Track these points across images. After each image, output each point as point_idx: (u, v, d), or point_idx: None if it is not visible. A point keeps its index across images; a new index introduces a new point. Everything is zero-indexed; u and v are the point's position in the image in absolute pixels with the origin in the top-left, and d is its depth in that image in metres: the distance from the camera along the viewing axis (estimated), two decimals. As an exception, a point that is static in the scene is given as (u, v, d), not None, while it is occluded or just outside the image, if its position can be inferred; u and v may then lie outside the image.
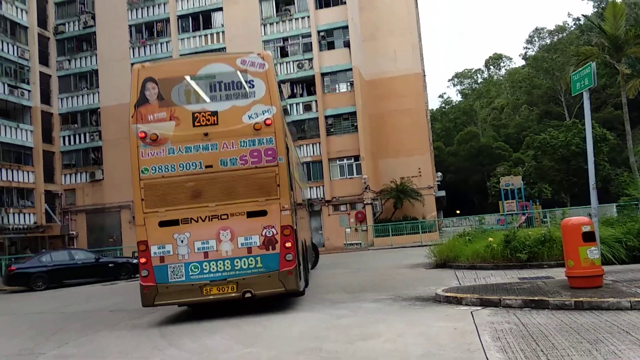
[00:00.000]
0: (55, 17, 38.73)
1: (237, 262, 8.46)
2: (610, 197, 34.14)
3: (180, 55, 35.90)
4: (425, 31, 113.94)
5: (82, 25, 37.91)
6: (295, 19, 34.58)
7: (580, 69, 9.19)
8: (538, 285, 8.54)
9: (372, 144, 34.64)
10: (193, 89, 8.90)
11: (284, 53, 34.82)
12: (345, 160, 33.16)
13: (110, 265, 21.76)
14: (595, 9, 61.39)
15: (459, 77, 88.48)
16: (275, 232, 8.47)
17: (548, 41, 64.44)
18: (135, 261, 22.88)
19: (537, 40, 67.96)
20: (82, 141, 37.50)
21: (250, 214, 8.53)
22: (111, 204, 35.83)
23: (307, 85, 34.68)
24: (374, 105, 36.42)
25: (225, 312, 9.33)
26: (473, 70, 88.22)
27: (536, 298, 7.26)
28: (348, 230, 31.56)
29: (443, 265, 13.82)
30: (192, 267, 8.49)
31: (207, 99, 8.85)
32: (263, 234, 8.49)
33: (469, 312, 7.15)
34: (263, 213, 8.52)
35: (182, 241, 8.54)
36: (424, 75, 39.36)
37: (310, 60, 33.86)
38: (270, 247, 8.46)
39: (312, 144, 33.26)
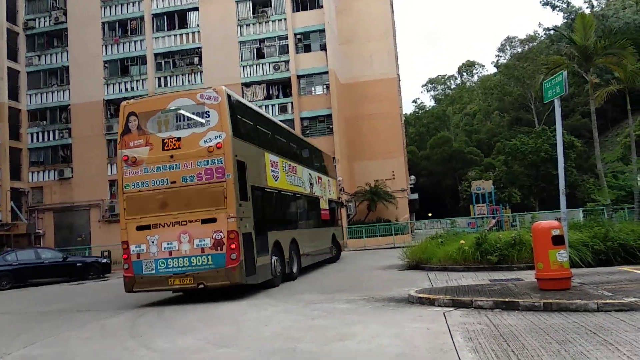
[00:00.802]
0: (25, 12, 37.66)
1: (193, 260, 10.38)
2: (577, 202, 35.15)
3: (155, 53, 35.53)
4: (400, 37, 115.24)
5: (53, 21, 36.96)
6: (272, 21, 34.48)
7: (551, 77, 9.43)
8: (508, 287, 8.71)
9: (347, 146, 34.81)
10: (163, 119, 11.02)
11: (260, 54, 34.69)
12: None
13: (78, 264, 21.33)
14: (565, 20, 63.12)
15: (433, 82, 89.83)
16: (222, 236, 10.26)
17: (519, 50, 65.95)
18: (104, 261, 22.53)
19: (508, 48, 69.52)
20: (51, 138, 36.54)
21: (204, 221, 10.42)
22: (80, 202, 35.01)
23: (283, 87, 34.63)
24: (349, 109, 36.63)
25: (198, 312, 9.24)
26: (446, 77, 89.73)
27: (507, 299, 7.40)
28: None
29: (416, 266, 13.96)
30: (160, 263, 10.52)
31: (174, 128, 10.95)
32: (213, 237, 10.33)
33: (441, 313, 7.24)
34: (213, 220, 10.37)
35: (152, 242, 10.61)
36: (399, 80, 39.76)
37: (287, 62, 33.83)
38: (219, 248, 10.27)
39: (287, 146, 33.18)
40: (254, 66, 34.43)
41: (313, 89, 34.09)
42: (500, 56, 71.11)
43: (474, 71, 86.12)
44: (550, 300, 7.02)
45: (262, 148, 12.80)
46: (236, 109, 11.48)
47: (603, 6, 63.89)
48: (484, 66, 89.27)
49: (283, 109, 33.62)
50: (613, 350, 4.79)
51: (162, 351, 6.33)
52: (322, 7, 33.99)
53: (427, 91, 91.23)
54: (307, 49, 34.34)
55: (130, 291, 10.78)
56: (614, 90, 25.07)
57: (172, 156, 10.72)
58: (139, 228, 10.71)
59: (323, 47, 33.79)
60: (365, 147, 36.18)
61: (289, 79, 33.65)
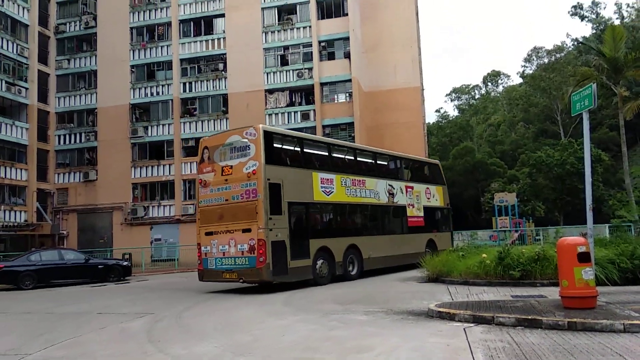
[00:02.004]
0: (56, 16, 38.73)
1: (237, 260, 13.48)
2: (603, 217, 34.27)
3: (181, 59, 36.07)
4: (425, 45, 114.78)
5: (83, 26, 37.92)
6: (297, 28, 34.71)
7: (580, 89, 9.23)
8: (531, 304, 8.51)
9: (368, 155, 34.74)
10: (223, 151, 14.22)
11: (284, 61, 34.92)
12: (341, 171, 33.14)
13: (100, 266, 21.59)
14: (594, 31, 62.02)
15: (457, 92, 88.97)
16: (254, 243, 13.04)
17: (546, 60, 64.94)
18: (125, 263, 22.79)
19: (535, 59, 68.51)
20: (78, 141, 37.34)
21: (244, 230, 13.32)
22: (104, 204, 35.63)
23: (306, 94, 34.75)
24: (371, 117, 36.54)
25: (216, 319, 9.26)
26: (471, 86, 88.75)
27: (529, 317, 7.22)
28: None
29: (436, 279, 13.77)
30: (217, 260, 13.94)
31: (229, 158, 14.06)
32: (249, 243, 13.19)
33: (461, 329, 7.10)
34: (249, 230, 13.20)
35: (214, 244, 14.07)
36: (423, 90, 39.50)
37: (310, 69, 33.97)
38: (252, 252, 13.08)
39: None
40: (278, 73, 34.65)
41: (336, 96, 34.13)
42: (527, 66, 70.13)
43: (499, 81, 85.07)
44: (575, 320, 6.83)
45: (308, 169, 15.17)
46: (273, 141, 14.12)
47: (634, 17, 62.63)
48: (509, 76, 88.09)
49: (305, 116, 33.73)
50: (641, 375, 4.62)
51: (178, 357, 6.34)
52: (347, 14, 34.11)
53: (451, 101, 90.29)
54: (331, 56, 34.45)
55: (201, 280, 14.57)
56: (644, 103, 24.53)
57: (226, 180, 13.90)
58: (206, 234, 14.27)
59: (347, 55, 33.85)
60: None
61: (312, 86, 33.78)
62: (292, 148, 15.40)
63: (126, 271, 22.35)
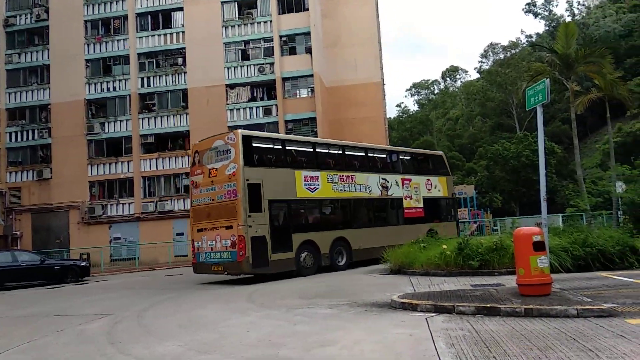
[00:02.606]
0: (5, 8, 37.00)
1: (222, 254, 14.66)
2: (557, 207, 35.63)
3: (138, 53, 35.18)
4: (385, 41, 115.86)
5: (34, 18, 36.39)
6: (258, 23, 34.40)
7: (534, 84, 9.52)
8: (490, 292, 8.77)
9: (330, 150, 34.84)
10: (210, 155, 15.45)
11: (245, 56, 34.56)
12: (304, 166, 33.14)
13: (56, 267, 20.90)
14: (547, 28, 64.09)
15: (416, 87, 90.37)
16: (235, 238, 14.14)
17: (502, 56, 66.75)
18: (82, 264, 22.13)
19: (491, 55, 70.31)
20: (30, 138, 35.87)
21: (227, 227, 14.47)
22: (59, 204, 34.42)
23: (268, 89, 34.53)
24: (334, 112, 36.66)
25: (179, 318, 9.13)
26: (430, 82, 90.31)
27: (488, 305, 7.45)
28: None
29: (398, 271, 13.99)
30: (207, 255, 15.18)
31: (214, 161, 15.25)
32: (230, 239, 14.30)
33: (424, 319, 7.25)
34: (231, 227, 14.32)
35: (204, 240, 15.33)
36: (384, 85, 39.90)
37: (272, 64, 33.76)
38: (234, 247, 14.19)
39: (271, 148, 33.11)
40: (239, 68, 34.28)
41: (298, 91, 34.05)
42: (483, 62, 71.93)
43: (457, 76, 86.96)
44: (531, 306, 7.08)
45: (290, 168, 16.06)
46: (252, 144, 15.18)
47: (584, 14, 65.08)
48: (467, 72, 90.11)
49: (267, 111, 33.53)
50: (593, 356, 4.84)
51: (141, 358, 6.22)
52: (307, 9, 34.03)
53: (411, 95, 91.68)
54: (293, 51, 34.33)
55: (195, 272, 15.96)
56: (594, 97, 25.50)
57: (212, 181, 15.13)
58: (198, 230, 15.57)
59: (308, 50, 33.80)
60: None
61: (274, 81, 33.58)
62: (273, 149, 16.42)
63: (84, 271, 21.71)
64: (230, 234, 14.25)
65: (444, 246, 13.43)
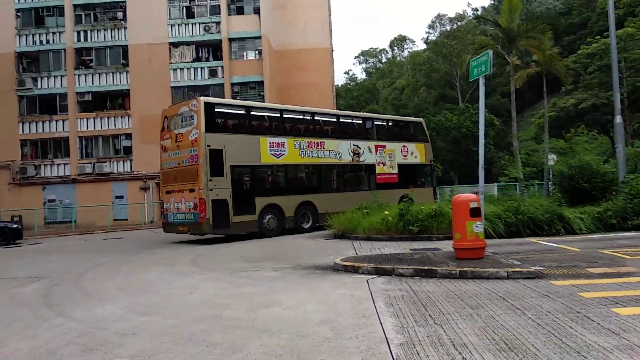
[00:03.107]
0: None
1: (186, 215, 15.44)
2: (493, 177, 37.25)
3: (74, 4, 33.04)
4: (334, 6, 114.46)
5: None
6: (204, -21, 33.04)
7: (478, 56, 9.78)
8: (428, 256, 9.15)
9: (277, 115, 34.46)
10: (176, 120, 16.15)
11: (190, 14, 33.23)
12: (249, 130, 32.68)
13: (-15, 230, 19.82)
14: (492, 1, 65.34)
15: (365, 55, 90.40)
16: (197, 201, 14.95)
17: (448, 28, 67.68)
18: (14, 226, 21.09)
19: (438, 26, 71.05)
20: (-48, 91, 33.22)
21: (190, 190, 15.29)
22: (-13, 163, 32.39)
23: (214, 49, 33.50)
24: (282, 76, 36.19)
25: (119, 281, 8.96)
26: (378, 50, 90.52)
27: (426, 267, 7.78)
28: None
29: (342, 236, 14.29)
30: (174, 215, 16.05)
31: (180, 126, 15.95)
32: (193, 201, 15.12)
33: (364, 280, 7.49)
34: (193, 190, 15.13)
35: (171, 201, 16.19)
36: (332, 51, 39.65)
37: (218, 23, 32.68)
38: (196, 209, 14.98)
39: (216, 111, 32.38)
40: (183, 26, 32.97)
41: (245, 53, 33.26)
42: (430, 33, 72.59)
43: (405, 46, 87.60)
44: (466, 269, 7.46)
45: (254, 134, 16.70)
46: (214, 111, 15.80)
47: (527, -10, 66.78)
48: (414, 42, 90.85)
49: (213, 72, 32.62)
50: (520, 314, 5.20)
51: (80, 320, 6.08)
52: (256, -32, 32.95)
53: (359, 63, 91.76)
54: (240, 11, 33.36)
55: (165, 232, 16.97)
56: (532, 72, 26.44)
57: (178, 146, 15.85)
58: (166, 192, 16.49)
59: (257, 11, 32.94)
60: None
61: (220, 41, 32.61)
62: (237, 116, 17.17)
63: (16, 234, 20.73)
64: (192, 197, 15.10)
65: (386, 212, 13.80)
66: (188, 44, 32.98)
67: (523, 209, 12.56)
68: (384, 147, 20.88)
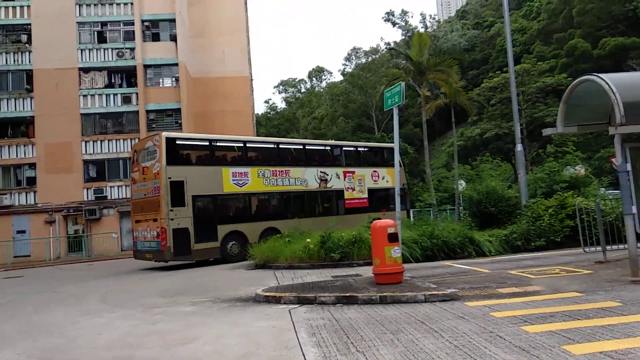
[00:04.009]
0: None
1: (150, 243, 16.30)
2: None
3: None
4: (253, 37, 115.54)
5: None
6: (117, 4, 32.11)
7: (391, 87, 10.21)
8: (349, 282, 9.21)
9: (195, 143, 33.66)
10: (143, 154, 17.14)
11: (102, 38, 32.02)
12: (166, 159, 31.64)
13: None
14: (403, 37, 69.12)
15: (284, 84, 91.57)
16: (159, 230, 15.75)
17: (363, 60, 70.48)
18: None
19: (354, 58, 73.83)
20: None
21: (153, 220, 16.16)
22: None
23: (128, 75, 32.37)
24: (200, 104, 35.62)
25: (17, 323, 8.15)
26: (297, 80, 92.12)
27: (347, 294, 7.82)
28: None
29: (263, 266, 14.07)
30: (141, 244, 16.94)
31: (146, 160, 16.94)
32: (156, 230, 15.91)
33: (287, 310, 7.37)
34: (156, 219, 16.02)
35: (139, 230, 17.11)
36: (252, 80, 39.77)
37: (132, 49, 31.74)
38: (158, 237, 15.80)
39: (130, 139, 31.12)
40: (95, 51, 31.68)
41: (161, 80, 32.47)
42: (347, 65, 75.23)
43: (323, 77, 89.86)
44: (386, 294, 7.58)
45: (216, 165, 17.46)
46: (175, 145, 16.71)
47: (435, 28, 71.43)
48: (332, 73, 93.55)
49: (127, 99, 31.46)
50: (437, 336, 5.32)
51: (-32, 371, 5.43)
52: (173, -5, 32.57)
53: (279, 92, 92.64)
54: (156, 37, 32.66)
55: (135, 258, 18.01)
56: (441, 104, 28.03)
57: (144, 178, 16.83)
58: (136, 222, 17.42)
59: (173, 38, 32.41)
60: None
61: (135, 67, 31.62)
62: (198, 148, 18.06)
63: None
64: (155, 226, 15.98)
65: (308, 240, 13.79)
66: (100, 69, 31.67)
67: (437, 233, 13.08)
68: (353, 172, 21.52)
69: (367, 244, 12.19)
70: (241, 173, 17.86)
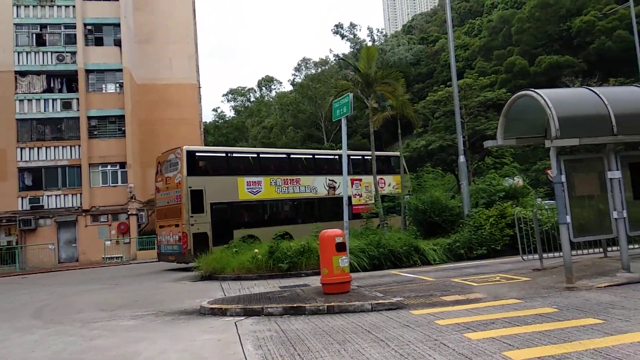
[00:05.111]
0: None
1: (173, 247, 17.84)
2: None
3: None
4: (202, 45, 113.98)
5: None
6: (58, 6, 30.78)
7: (340, 98, 10.31)
8: (297, 292, 9.16)
9: (141, 151, 32.61)
10: (167, 166, 18.72)
11: (41, 41, 30.56)
12: (109, 167, 30.49)
13: None
14: (352, 50, 70.28)
15: (233, 93, 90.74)
16: (181, 235, 17.25)
17: (313, 71, 71.11)
18: None
19: (304, 69, 74.36)
20: None
21: (176, 225, 17.66)
22: None
23: (68, 80, 31.05)
24: (146, 111, 34.59)
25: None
26: (246, 89, 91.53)
27: (295, 305, 7.76)
28: (108, 242, 29.03)
29: (209, 277, 13.78)
30: (165, 247, 18.58)
31: (169, 171, 18.48)
32: (178, 234, 17.41)
33: (233, 323, 7.23)
34: (178, 225, 17.51)
35: (163, 234, 18.73)
36: (199, 87, 39.11)
37: (74, 53, 30.48)
38: (179, 241, 17.32)
39: (70, 147, 29.82)
40: (33, 54, 30.22)
41: (104, 86, 31.33)
42: (297, 75, 75.61)
43: (272, 87, 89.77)
44: (333, 304, 7.59)
45: (232, 175, 18.94)
46: (195, 157, 18.53)
47: (382, 41, 73.05)
48: (281, 83, 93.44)
49: (67, 105, 30.17)
50: (384, 346, 5.36)
51: None
52: (117, -1, 31.63)
53: (228, 101, 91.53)
54: (99, 42, 31.52)
55: (160, 260, 19.61)
56: (388, 115, 28.59)
57: (167, 187, 18.47)
58: (160, 227, 19.08)
59: (117, 43, 31.41)
60: (161, 152, 34.58)
61: (76, 72, 30.35)
62: (216, 160, 19.82)
63: None
64: (177, 231, 17.45)
65: (256, 250, 13.66)
66: (38, 73, 30.22)
67: (384, 242, 13.28)
68: (360, 180, 23.03)
69: (316, 253, 12.18)
70: (255, 182, 19.41)
